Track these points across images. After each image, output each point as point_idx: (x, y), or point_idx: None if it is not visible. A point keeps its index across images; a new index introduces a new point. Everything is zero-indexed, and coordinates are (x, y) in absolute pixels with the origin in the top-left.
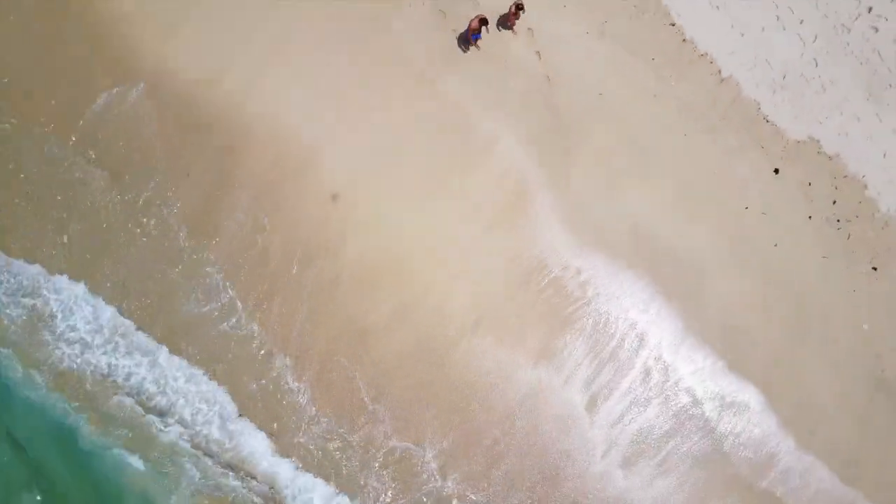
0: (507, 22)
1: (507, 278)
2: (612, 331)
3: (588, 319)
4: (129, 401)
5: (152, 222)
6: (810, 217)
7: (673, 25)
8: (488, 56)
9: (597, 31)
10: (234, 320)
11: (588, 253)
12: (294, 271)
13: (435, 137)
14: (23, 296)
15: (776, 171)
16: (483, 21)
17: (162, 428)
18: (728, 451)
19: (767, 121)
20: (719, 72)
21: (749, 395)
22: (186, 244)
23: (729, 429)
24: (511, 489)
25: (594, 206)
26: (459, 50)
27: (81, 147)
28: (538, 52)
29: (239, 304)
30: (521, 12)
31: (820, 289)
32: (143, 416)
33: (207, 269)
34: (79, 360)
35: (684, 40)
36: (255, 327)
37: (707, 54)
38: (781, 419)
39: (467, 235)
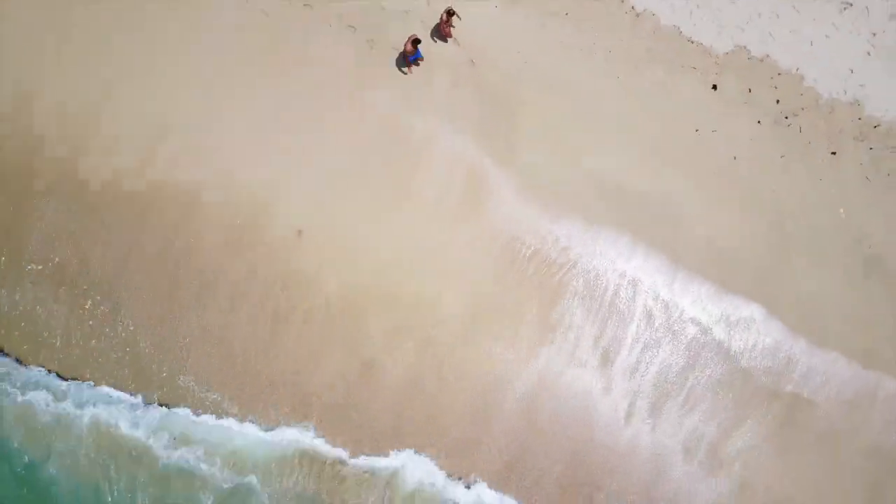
0: (441, 32)
1: (489, 264)
2: (605, 285)
3: (579, 281)
4: None
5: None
6: (759, 122)
7: None
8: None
9: (507, 1)
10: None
11: (560, 219)
12: (278, 325)
13: (379, 151)
14: None
15: (714, 87)
16: (416, 41)
17: None
18: (747, 367)
19: (692, 41)
20: (633, 8)
21: (751, 310)
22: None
23: (741, 346)
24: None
25: (551, 171)
26: (384, 64)
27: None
28: (456, 39)
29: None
30: (453, 18)
31: (788, 188)
32: None
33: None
34: None
35: None
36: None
37: None
38: (788, 324)
39: (437, 235)
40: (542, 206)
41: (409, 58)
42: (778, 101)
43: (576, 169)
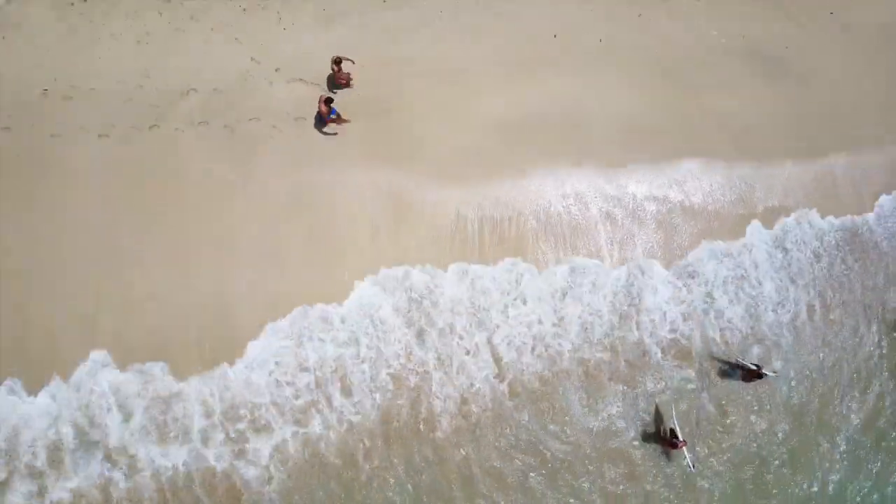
0: (337, 82)
1: (454, 249)
2: (558, 212)
3: (533, 222)
4: None
5: None
6: None
7: None
8: (285, 120)
9: (323, 22)
10: None
11: (486, 182)
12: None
13: (296, 221)
14: None
15: None
16: (327, 100)
17: None
18: (715, 209)
19: None
20: None
21: (687, 164)
22: None
23: (701, 196)
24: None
25: (458, 148)
26: (253, 138)
27: None
28: (353, 81)
29: None
30: (342, 65)
31: (662, 42)
32: None
33: None
34: None
35: None
36: None
37: None
38: (726, 158)
39: (392, 258)
40: (464, 179)
41: (327, 117)
42: None
43: (476, 132)
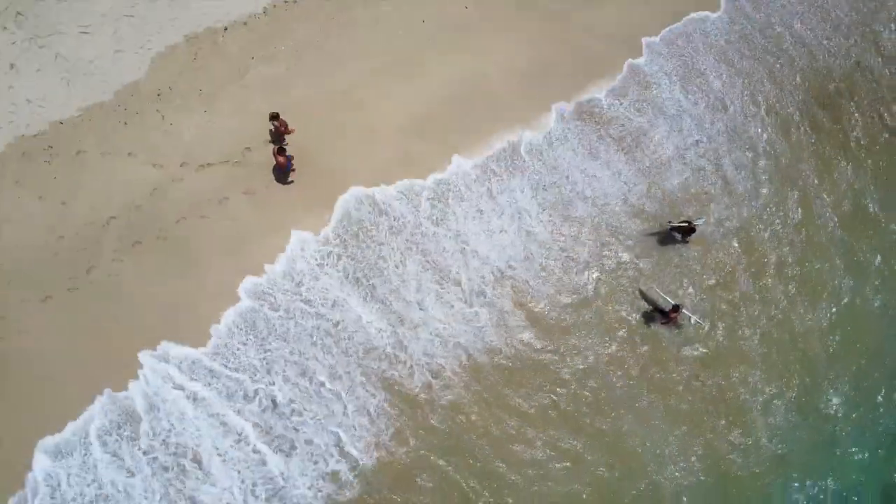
0: (282, 132)
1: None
2: (467, 198)
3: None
4: None
5: None
6: None
7: None
8: (210, 206)
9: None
10: None
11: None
12: None
13: None
14: None
15: None
16: (280, 150)
17: None
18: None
19: None
20: None
21: (593, 93)
22: None
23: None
24: None
25: (387, 159)
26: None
27: None
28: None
29: None
30: (279, 119)
31: None
32: None
33: None
34: None
35: None
36: None
37: None
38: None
39: None
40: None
41: (287, 167)
42: None
43: (395, 138)
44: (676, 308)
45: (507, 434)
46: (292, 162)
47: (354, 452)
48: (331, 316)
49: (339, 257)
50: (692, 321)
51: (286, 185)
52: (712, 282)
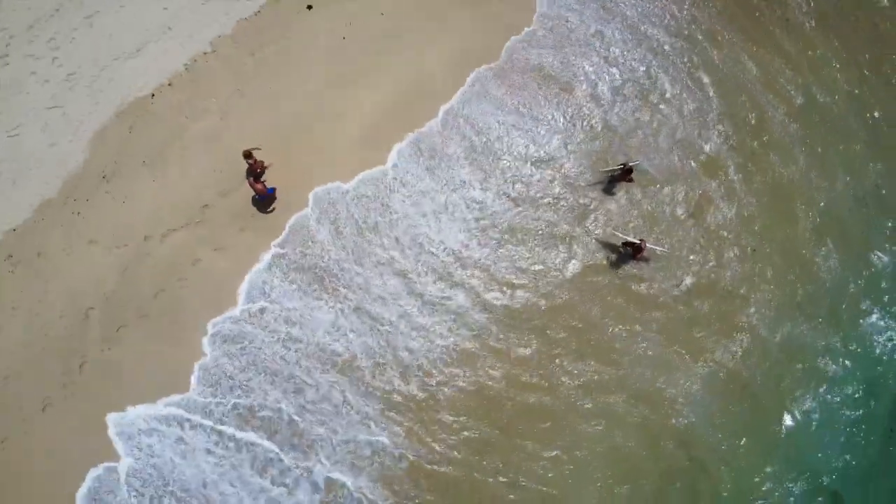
0: (257, 170)
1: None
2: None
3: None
4: None
5: None
6: None
7: None
8: (185, 269)
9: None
10: None
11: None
12: None
13: None
14: None
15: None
16: (256, 178)
17: None
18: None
19: None
20: None
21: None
22: None
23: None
24: None
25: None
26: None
27: None
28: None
29: None
30: (253, 156)
31: None
32: None
33: None
34: None
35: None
36: None
37: None
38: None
39: None
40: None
41: (269, 191)
42: None
43: (349, 155)
44: (640, 246)
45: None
46: (274, 190)
47: None
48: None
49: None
50: (658, 252)
51: (264, 215)
52: (669, 213)
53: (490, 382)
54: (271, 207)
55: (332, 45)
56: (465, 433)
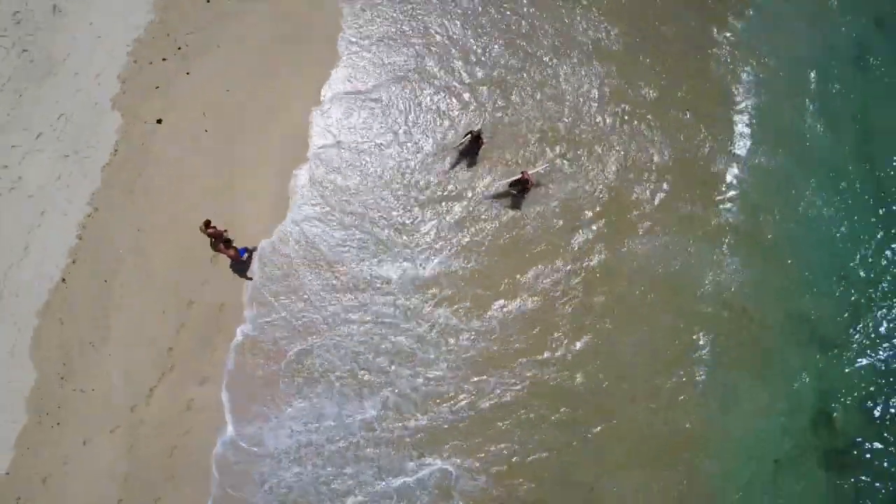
0: (217, 237)
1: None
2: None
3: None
4: None
5: None
6: None
7: None
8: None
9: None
10: None
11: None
12: None
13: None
14: None
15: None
16: (227, 243)
17: None
18: None
19: None
20: None
21: None
22: None
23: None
24: None
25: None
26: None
27: None
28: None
29: None
30: (212, 225)
31: None
32: None
33: None
34: None
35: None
36: None
37: None
38: None
39: None
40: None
41: (241, 252)
42: None
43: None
44: (522, 175)
45: None
46: (246, 250)
47: None
48: None
49: None
50: (543, 170)
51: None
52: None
53: None
54: (249, 272)
55: (196, 148)
56: None
